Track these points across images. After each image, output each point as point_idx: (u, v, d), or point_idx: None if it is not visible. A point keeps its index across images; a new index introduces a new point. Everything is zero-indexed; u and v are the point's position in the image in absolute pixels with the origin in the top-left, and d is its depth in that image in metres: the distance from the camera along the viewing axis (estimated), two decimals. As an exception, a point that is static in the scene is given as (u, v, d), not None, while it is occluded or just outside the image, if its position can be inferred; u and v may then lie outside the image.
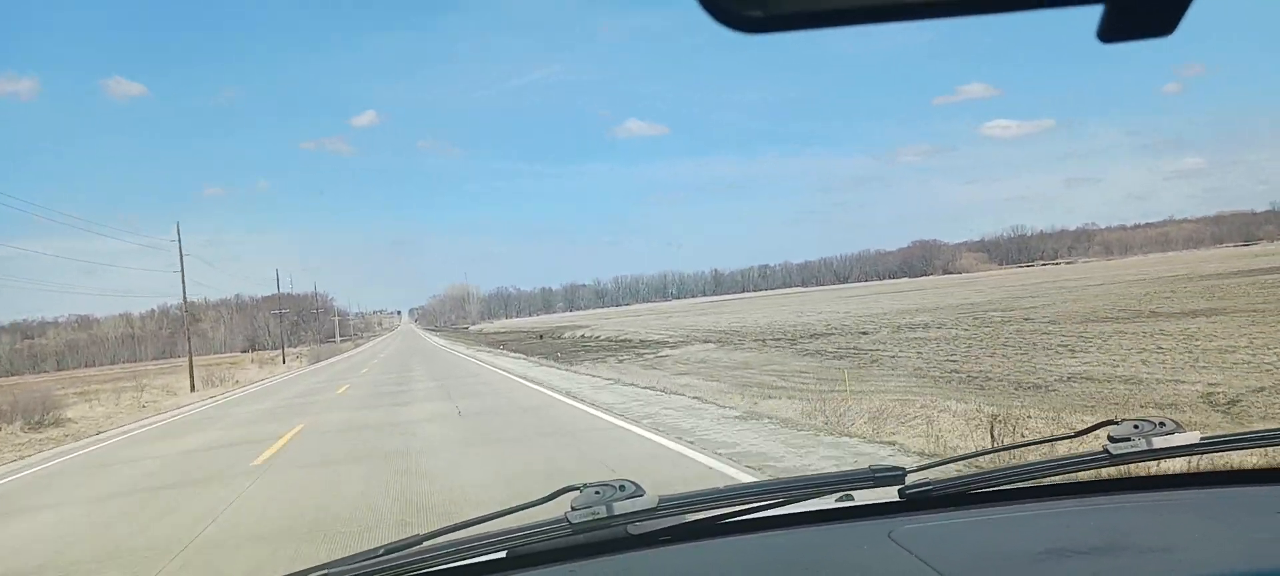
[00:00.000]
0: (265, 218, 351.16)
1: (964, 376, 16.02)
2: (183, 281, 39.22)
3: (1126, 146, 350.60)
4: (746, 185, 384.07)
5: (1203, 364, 14.78)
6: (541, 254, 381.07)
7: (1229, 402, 11.24)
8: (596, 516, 1.34)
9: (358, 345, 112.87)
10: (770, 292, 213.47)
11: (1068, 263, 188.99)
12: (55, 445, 17.00)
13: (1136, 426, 1.46)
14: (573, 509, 1.35)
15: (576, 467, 8.16)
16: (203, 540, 6.60)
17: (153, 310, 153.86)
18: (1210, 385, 12.65)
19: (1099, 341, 20.15)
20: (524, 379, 21.57)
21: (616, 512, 1.35)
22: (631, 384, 17.88)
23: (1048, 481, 1.61)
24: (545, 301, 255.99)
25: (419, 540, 1.37)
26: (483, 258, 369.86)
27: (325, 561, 1.39)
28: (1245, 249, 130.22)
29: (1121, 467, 1.51)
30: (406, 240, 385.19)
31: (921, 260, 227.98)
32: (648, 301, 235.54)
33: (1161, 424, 1.47)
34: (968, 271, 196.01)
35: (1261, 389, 12.03)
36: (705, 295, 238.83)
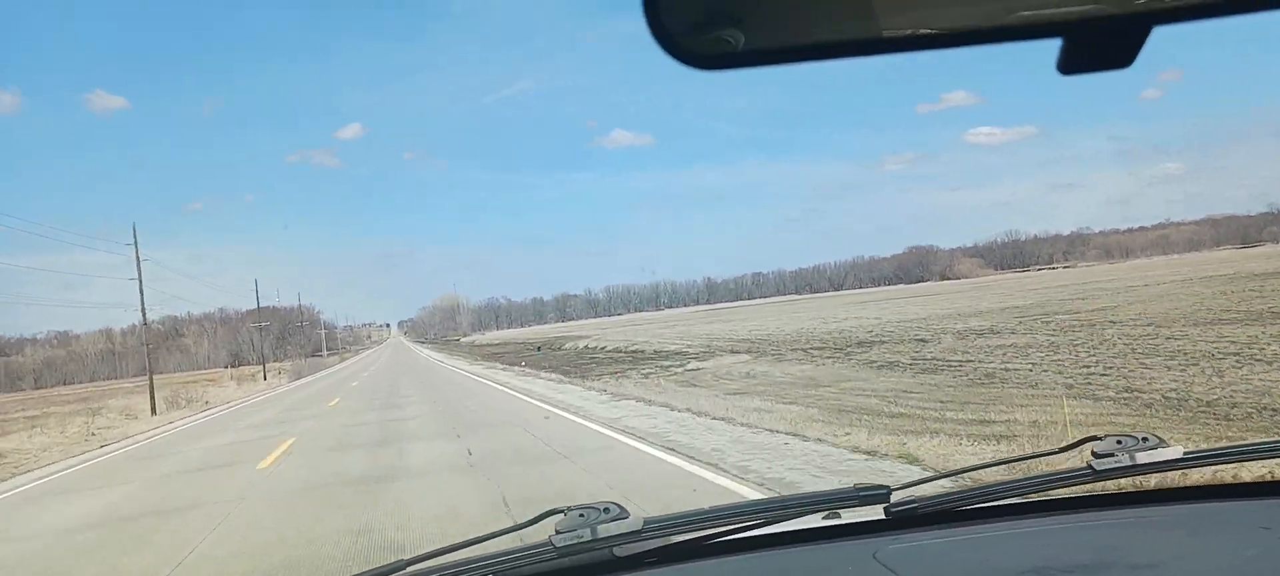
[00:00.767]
0: (250, 231, 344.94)
1: (1148, 398, 11.93)
2: (140, 291, 34.98)
3: (1108, 152, 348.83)
4: (733, 194, 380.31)
5: None
6: (531, 265, 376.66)
7: None
8: (581, 539, 1.32)
9: (344, 359, 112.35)
10: (765, 300, 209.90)
11: (1065, 266, 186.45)
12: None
13: (1120, 442, 1.46)
14: (557, 532, 1.33)
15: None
16: None
17: (133, 325, 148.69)
18: None
19: (1255, 347, 16.11)
20: (545, 402, 17.42)
21: (601, 535, 1.33)
22: (686, 409, 13.85)
23: (1032, 498, 1.59)
24: (537, 312, 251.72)
25: (402, 565, 1.34)
26: (472, 269, 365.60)
27: None
28: (1251, 250, 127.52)
29: (1107, 483, 1.50)
30: (394, 252, 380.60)
31: (917, 266, 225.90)
32: (640, 310, 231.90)
33: (1145, 438, 1.46)
34: (967, 276, 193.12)
35: None
36: (698, 304, 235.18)
